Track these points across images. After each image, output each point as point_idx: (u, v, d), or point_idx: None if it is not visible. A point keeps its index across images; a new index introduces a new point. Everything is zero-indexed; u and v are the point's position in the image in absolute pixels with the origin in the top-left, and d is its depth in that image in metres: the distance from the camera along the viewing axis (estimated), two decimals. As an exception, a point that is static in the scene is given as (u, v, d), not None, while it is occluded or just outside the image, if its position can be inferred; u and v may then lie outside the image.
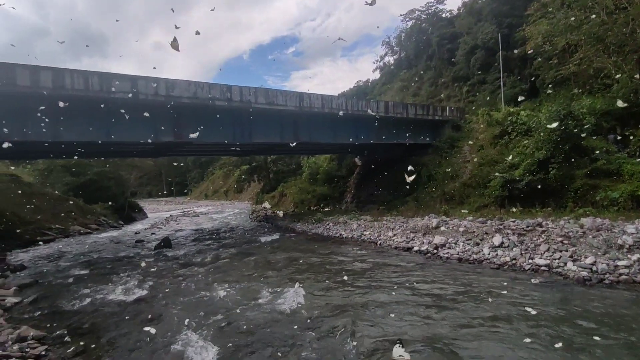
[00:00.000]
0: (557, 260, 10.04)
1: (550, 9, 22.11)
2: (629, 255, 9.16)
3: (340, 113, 18.81)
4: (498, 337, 6.59)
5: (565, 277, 9.47)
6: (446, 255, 12.64)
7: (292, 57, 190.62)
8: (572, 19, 19.06)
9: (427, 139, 23.86)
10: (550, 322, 7.02)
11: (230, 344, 6.94)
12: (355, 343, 6.66)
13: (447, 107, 25.65)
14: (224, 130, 17.34)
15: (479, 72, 33.39)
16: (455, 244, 13.06)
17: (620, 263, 9.05)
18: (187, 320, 8.07)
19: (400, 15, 75.22)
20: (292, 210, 32.33)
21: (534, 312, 7.31)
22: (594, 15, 18.21)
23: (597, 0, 20.08)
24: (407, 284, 9.94)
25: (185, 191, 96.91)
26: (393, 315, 7.85)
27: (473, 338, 6.60)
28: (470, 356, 5.99)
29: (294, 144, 17.61)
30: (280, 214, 25.80)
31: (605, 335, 6.37)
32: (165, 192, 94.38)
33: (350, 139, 21.69)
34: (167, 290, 10.68)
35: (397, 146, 24.02)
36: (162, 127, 15.22)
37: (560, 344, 6.03)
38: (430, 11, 45.11)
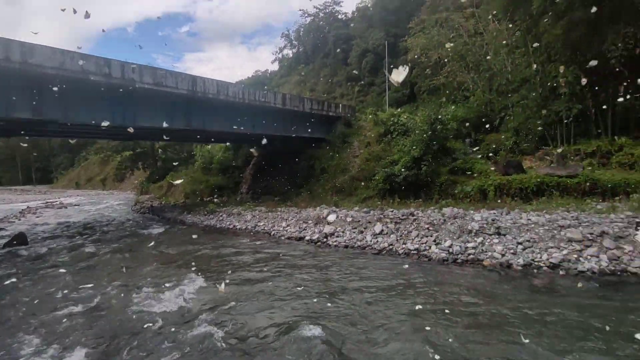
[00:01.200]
0: (424, 245, 11.72)
1: (427, 26, 25.27)
2: (475, 239, 11.22)
3: (237, 101, 18.34)
4: (370, 309, 7.43)
5: (429, 258, 11.13)
6: (335, 243, 13.56)
7: (186, 37, 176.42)
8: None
9: (322, 133, 24.96)
10: (409, 294, 8.21)
11: (92, 352, 6.26)
12: (239, 335, 6.72)
13: (341, 104, 27.23)
14: (100, 110, 15.19)
15: (369, 75, 36.25)
16: (343, 232, 14.11)
17: (469, 245, 11.03)
18: (41, 328, 6.98)
19: (300, 10, 76.61)
20: (182, 201, 30.34)
21: (403, 288, 8.44)
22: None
23: (462, 23, 23.71)
24: (296, 272, 10.38)
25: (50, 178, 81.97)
26: (279, 302, 8.15)
27: (349, 313, 7.31)
28: (345, 324, 6.65)
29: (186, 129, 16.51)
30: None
31: (440, 302, 7.75)
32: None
33: (247, 129, 21.32)
34: (16, 295, 9.00)
35: (293, 138, 24.53)
36: (15, 100, 12.58)
37: (415, 307, 7.15)
38: (327, 10, 46.89)
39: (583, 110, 16.50)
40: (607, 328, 6.12)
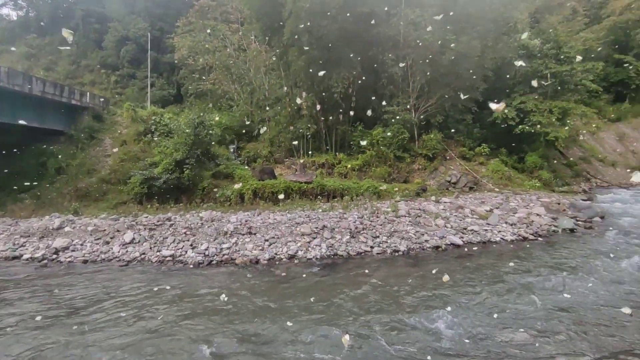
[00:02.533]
0: (180, 250, 11.39)
1: (195, 28, 25.15)
2: (230, 239, 11.89)
3: None
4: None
5: (185, 263, 10.90)
6: (68, 259, 11.12)
7: None
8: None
9: (61, 124, 20.13)
10: (143, 303, 7.83)
11: None
12: None
13: (89, 93, 22.88)
14: None
15: (129, 65, 32.32)
16: (82, 245, 11.79)
17: (224, 246, 11.56)
18: None
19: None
20: None
21: (137, 299, 7.88)
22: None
23: (229, 36, 24.96)
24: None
25: None
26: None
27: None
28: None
29: None
30: None
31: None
32: None
33: None
34: None
35: (13, 127, 18.54)
36: None
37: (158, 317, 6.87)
38: (75, -23, 38.60)
39: (318, 130, 20.66)
40: (324, 296, 7.83)
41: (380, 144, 19.40)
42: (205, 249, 11.32)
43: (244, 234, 12.10)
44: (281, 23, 19.38)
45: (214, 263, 10.95)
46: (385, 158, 19.42)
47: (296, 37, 18.05)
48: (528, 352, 5.78)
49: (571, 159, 23.71)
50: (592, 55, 23.78)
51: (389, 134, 19.28)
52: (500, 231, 12.79)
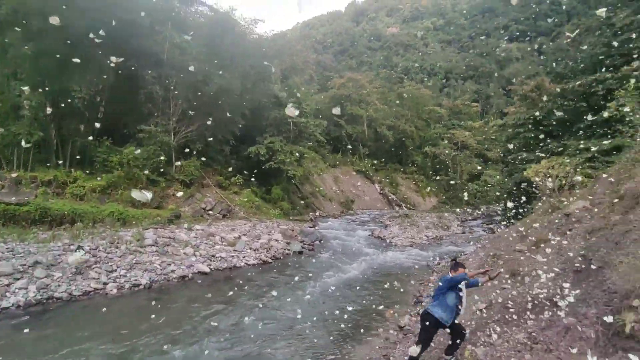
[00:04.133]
0: None
1: None
2: None
3: None
4: None
5: None
6: None
7: None
8: None
9: None
10: None
11: None
12: None
13: None
14: None
15: None
16: None
17: None
18: None
19: None
20: None
21: None
22: None
23: None
24: None
25: None
26: None
27: None
28: None
29: None
30: None
31: None
32: None
33: None
34: None
35: None
36: None
37: None
38: None
39: (45, 138, 16.42)
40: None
41: (132, 165, 17.48)
42: None
43: None
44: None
45: None
46: (136, 180, 17.59)
47: (21, 15, 14.08)
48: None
49: (304, 193, 29.21)
50: (320, 115, 30.76)
51: (143, 154, 17.68)
52: (245, 256, 13.88)
